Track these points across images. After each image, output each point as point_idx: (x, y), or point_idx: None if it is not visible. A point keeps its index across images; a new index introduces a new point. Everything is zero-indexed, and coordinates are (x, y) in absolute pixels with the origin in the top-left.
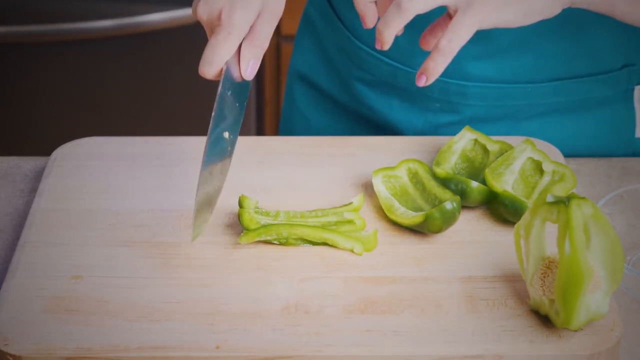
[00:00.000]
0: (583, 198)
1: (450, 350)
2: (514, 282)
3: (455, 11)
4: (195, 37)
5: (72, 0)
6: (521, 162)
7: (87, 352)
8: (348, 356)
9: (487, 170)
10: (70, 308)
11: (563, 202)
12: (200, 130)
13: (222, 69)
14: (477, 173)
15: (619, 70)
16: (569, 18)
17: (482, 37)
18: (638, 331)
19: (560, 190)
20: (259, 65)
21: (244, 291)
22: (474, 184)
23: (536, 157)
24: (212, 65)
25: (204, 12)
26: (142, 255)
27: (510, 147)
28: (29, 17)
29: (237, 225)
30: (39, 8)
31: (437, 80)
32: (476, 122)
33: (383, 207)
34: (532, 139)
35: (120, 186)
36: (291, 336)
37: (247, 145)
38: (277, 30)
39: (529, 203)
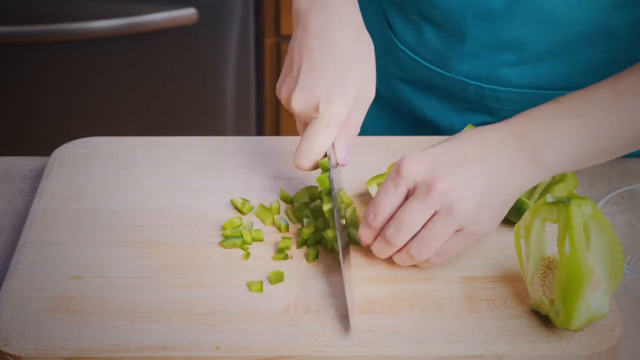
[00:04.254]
0: (583, 198)
1: (450, 350)
2: (514, 282)
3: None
4: (195, 37)
5: (72, 0)
6: None
7: (87, 352)
8: (348, 356)
9: None
10: (70, 308)
11: (563, 202)
12: (200, 130)
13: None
14: None
15: None
16: (602, 28)
17: (517, 46)
18: (638, 331)
19: (561, 191)
20: (350, 151)
21: (244, 291)
22: None
23: None
24: (309, 157)
25: (300, 103)
26: (142, 255)
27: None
28: (29, 17)
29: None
30: (39, 8)
31: (472, 84)
32: None
33: None
34: None
35: (120, 186)
36: (291, 336)
37: (248, 145)
38: (277, 30)
39: (530, 203)
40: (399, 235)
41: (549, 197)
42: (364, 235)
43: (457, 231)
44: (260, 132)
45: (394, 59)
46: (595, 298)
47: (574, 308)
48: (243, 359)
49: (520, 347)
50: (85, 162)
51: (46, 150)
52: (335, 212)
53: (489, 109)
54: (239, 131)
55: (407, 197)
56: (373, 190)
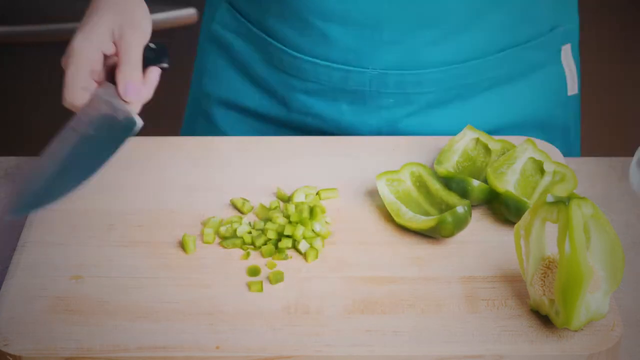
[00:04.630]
0: (583, 198)
1: (450, 350)
2: (514, 282)
3: None
4: (195, 37)
5: (73, 0)
6: (522, 162)
7: (87, 352)
8: (348, 356)
9: (489, 169)
10: (71, 308)
11: (563, 202)
12: None
13: None
14: (479, 172)
15: (549, 32)
16: None
17: (436, 20)
18: (638, 331)
19: (561, 191)
20: None
21: (244, 291)
22: (475, 183)
23: (537, 157)
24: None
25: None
26: (142, 255)
27: (512, 146)
28: (29, 17)
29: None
30: (39, 8)
31: (391, 74)
32: (430, 109)
33: (390, 211)
34: (533, 139)
35: (120, 186)
36: (291, 336)
37: (248, 145)
38: None
39: (530, 203)
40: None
41: (549, 197)
42: None
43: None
44: None
45: (294, 72)
46: (595, 298)
47: (574, 308)
48: (243, 359)
49: (520, 347)
50: None
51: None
52: None
53: (408, 97)
54: None
55: None
56: (381, 185)
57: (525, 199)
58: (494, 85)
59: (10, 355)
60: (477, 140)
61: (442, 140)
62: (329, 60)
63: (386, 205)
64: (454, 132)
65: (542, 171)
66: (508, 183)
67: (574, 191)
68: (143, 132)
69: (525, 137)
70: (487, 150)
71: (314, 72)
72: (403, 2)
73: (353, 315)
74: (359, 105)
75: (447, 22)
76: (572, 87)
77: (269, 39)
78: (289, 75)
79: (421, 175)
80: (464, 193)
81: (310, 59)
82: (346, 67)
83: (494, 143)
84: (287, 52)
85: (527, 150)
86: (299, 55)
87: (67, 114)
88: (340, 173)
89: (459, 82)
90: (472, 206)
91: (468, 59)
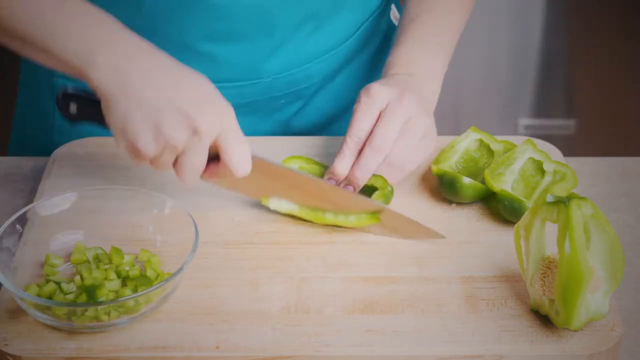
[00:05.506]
0: (583, 198)
1: (450, 350)
2: (514, 282)
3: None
4: None
5: None
6: (522, 162)
7: (87, 352)
8: (348, 356)
9: (486, 170)
10: None
11: (563, 202)
12: None
13: None
14: (480, 172)
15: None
16: None
17: (312, 14)
18: (638, 331)
19: (561, 190)
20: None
21: (244, 291)
22: (466, 180)
23: (537, 157)
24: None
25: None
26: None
27: (514, 147)
28: None
29: (237, 226)
30: None
31: (283, 77)
32: (315, 98)
33: (306, 217)
34: (533, 139)
35: (120, 186)
36: (291, 336)
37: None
38: None
39: (529, 203)
40: (384, 143)
41: (549, 197)
42: (341, 166)
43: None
44: None
45: None
46: (595, 298)
47: (574, 308)
48: (243, 359)
49: (520, 347)
50: (85, 162)
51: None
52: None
53: (298, 93)
54: None
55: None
56: (275, 203)
57: (521, 198)
58: (349, 64)
59: (10, 355)
60: (481, 141)
61: (444, 140)
62: (221, 81)
63: (299, 215)
64: (339, 105)
65: (542, 171)
66: (505, 183)
67: (574, 191)
68: None
69: (525, 138)
70: (490, 151)
71: None
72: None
73: (353, 315)
74: (251, 116)
75: (318, 11)
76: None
77: None
78: None
79: (304, 168)
80: (454, 190)
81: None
82: (239, 84)
83: (497, 144)
84: None
85: (526, 150)
86: None
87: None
88: None
89: (333, 67)
90: (469, 204)
91: (340, 42)
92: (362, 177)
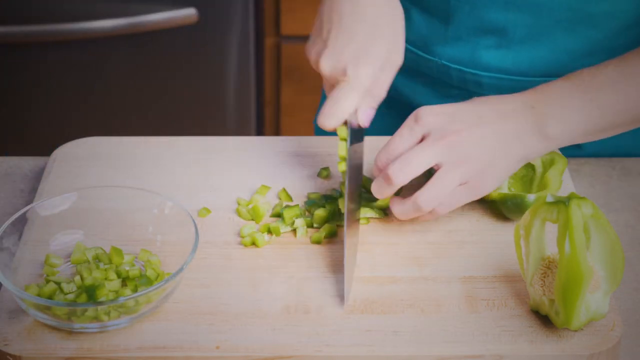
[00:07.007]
0: (583, 198)
1: (450, 350)
2: (514, 282)
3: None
4: (195, 37)
5: (72, 0)
6: None
7: (87, 352)
8: (348, 356)
9: None
10: None
11: (563, 202)
12: (199, 131)
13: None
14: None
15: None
16: (582, 16)
17: (498, 30)
18: (638, 331)
19: (555, 173)
20: (374, 114)
21: (244, 291)
22: (530, 197)
23: None
24: (333, 118)
25: (328, 66)
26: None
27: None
28: (29, 17)
29: (237, 226)
30: (39, 8)
31: (454, 68)
32: None
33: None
34: None
35: (120, 186)
36: (291, 336)
37: (248, 145)
38: (277, 30)
39: (531, 196)
40: (402, 172)
41: (549, 197)
42: (374, 182)
43: (460, 185)
44: (260, 132)
45: None
46: (595, 298)
47: (574, 308)
48: (243, 359)
49: (520, 347)
50: (85, 162)
51: (46, 150)
52: (347, 177)
53: (470, 94)
54: (239, 131)
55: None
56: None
57: (522, 194)
58: None
59: (10, 355)
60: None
61: None
62: (407, 41)
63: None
64: None
65: (531, 166)
66: (500, 187)
67: (574, 191)
68: (143, 132)
69: None
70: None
71: None
72: (468, 3)
73: (353, 315)
74: (430, 88)
75: (507, 32)
76: None
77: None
78: None
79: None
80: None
81: None
82: (416, 51)
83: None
84: None
85: None
86: None
87: (67, 114)
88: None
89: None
90: (472, 207)
91: (531, 74)
92: (379, 193)
